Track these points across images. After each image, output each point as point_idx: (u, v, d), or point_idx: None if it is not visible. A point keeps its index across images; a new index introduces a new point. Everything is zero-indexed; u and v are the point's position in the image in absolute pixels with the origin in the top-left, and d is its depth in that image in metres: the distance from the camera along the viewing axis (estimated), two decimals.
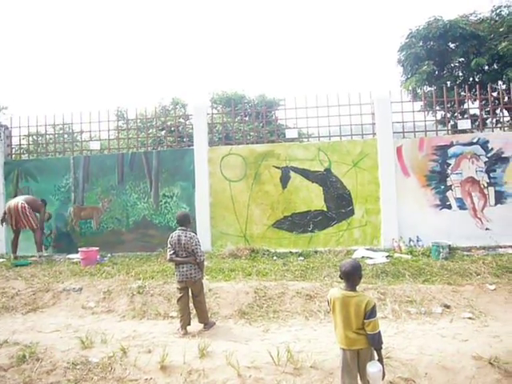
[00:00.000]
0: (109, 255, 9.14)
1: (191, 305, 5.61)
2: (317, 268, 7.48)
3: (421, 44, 15.92)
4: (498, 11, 16.27)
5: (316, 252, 8.53)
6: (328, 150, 8.93)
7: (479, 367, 4.34)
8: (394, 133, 8.90)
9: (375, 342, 3.43)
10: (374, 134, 9.01)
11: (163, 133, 12.21)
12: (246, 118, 12.51)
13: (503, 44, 14.79)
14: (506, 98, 10.37)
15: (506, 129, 9.65)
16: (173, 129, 10.74)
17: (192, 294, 5.55)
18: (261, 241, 9.01)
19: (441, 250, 7.69)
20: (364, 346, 3.46)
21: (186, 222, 5.57)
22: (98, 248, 8.66)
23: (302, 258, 8.22)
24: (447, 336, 5.08)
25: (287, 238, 8.97)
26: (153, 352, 4.85)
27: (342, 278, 3.57)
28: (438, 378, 4.22)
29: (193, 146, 9.52)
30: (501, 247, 8.17)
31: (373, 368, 3.39)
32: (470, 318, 5.68)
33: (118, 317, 6.25)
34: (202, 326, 5.59)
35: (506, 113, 12.04)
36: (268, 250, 8.70)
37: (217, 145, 9.92)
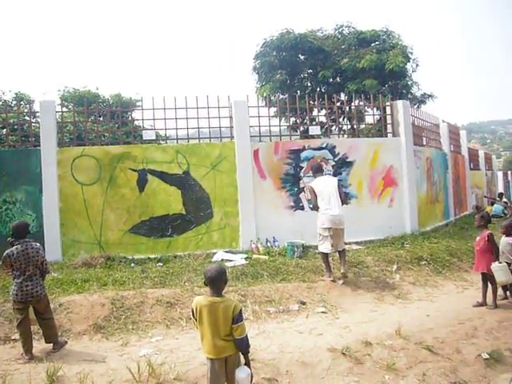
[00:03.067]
0: None
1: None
2: (177, 273, 7.22)
3: (274, 53, 16.68)
4: (340, 30, 17.86)
5: (175, 257, 8.26)
6: (186, 153, 8.73)
7: (334, 358, 4.57)
8: (250, 136, 9.08)
9: (243, 346, 3.35)
10: (232, 137, 9.09)
11: (4, 131, 10.70)
12: (101, 118, 11.68)
13: (344, 60, 16.27)
14: (347, 108, 11.40)
15: (349, 136, 10.57)
16: (16, 127, 9.45)
17: (37, 312, 4.86)
18: (117, 247, 8.41)
19: (295, 249, 8.05)
20: (232, 352, 3.34)
21: (27, 232, 4.89)
22: None
23: (162, 264, 7.89)
24: (304, 332, 5.27)
25: (145, 243, 8.52)
26: None
27: (206, 285, 3.40)
28: (298, 373, 4.32)
29: (39, 146, 8.49)
30: (346, 243, 8.80)
31: (242, 373, 3.30)
32: (323, 312, 6.02)
33: None
34: (51, 346, 4.92)
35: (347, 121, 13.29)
36: (125, 257, 8.17)
37: (68, 146, 9.01)
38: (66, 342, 5.06)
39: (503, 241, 6.31)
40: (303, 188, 9.14)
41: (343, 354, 4.61)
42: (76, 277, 6.96)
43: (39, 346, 4.94)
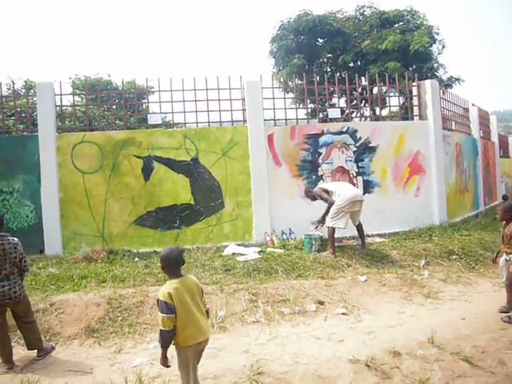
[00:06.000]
0: None
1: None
2: (183, 269, 6.60)
3: (292, 37, 16.00)
4: (361, 11, 17.04)
5: (183, 250, 7.63)
6: (195, 138, 8.09)
7: (356, 372, 3.92)
8: (265, 120, 8.41)
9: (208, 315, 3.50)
10: (245, 121, 8.42)
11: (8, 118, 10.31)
12: (114, 107, 11.15)
13: (366, 42, 15.48)
14: (369, 93, 10.65)
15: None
16: (24, 114, 9.01)
17: (16, 316, 4.32)
18: (121, 240, 7.86)
19: (313, 242, 7.39)
20: None
21: (1, 225, 4.35)
22: None
23: None
24: (322, 337, 4.62)
25: (151, 235, 7.95)
26: None
27: (165, 268, 3.34)
28: None
29: (37, 132, 7.98)
30: (369, 236, 8.17)
31: None
32: (343, 314, 5.38)
33: None
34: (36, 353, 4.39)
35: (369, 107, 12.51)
36: (129, 251, 7.61)
37: (68, 131, 8.48)
38: (54, 348, 4.51)
39: None
40: (322, 176, 8.45)
41: (367, 366, 3.94)
42: (74, 272, 6.42)
43: (23, 352, 4.40)
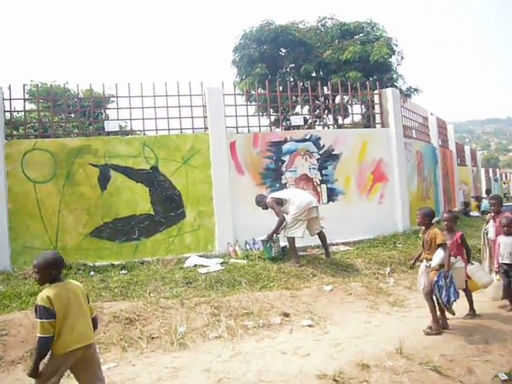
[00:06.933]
0: None
1: None
2: (142, 282, 6.29)
3: (254, 46, 15.95)
4: (323, 22, 17.23)
5: (143, 263, 7.31)
6: (154, 146, 7.78)
7: None
8: (227, 127, 8.21)
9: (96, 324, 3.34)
10: (206, 128, 8.19)
11: None
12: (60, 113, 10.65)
13: (328, 52, 15.64)
14: (331, 102, 10.68)
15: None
16: None
17: None
18: (76, 253, 7.41)
19: (272, 244, 7.17)
20: None
21: None
22: None
23: (126, 271, 6.94)
24: (288, 352, 4.40)
25: (108, 248, 7.55)
26: None
27: (45, 275, 3.07)
28: None
29: None
30: (334, 244, 8.07)
31: None
32: (309, 326, 5.18)
33: None
34: None
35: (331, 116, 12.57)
36: (85, 264, 7.18)
37: (18, 138, 7.99)
38: None
39: (506, 241, 5.54)
40: (285, 184, 8.31)
41: (335, 380, 3.75)
42: (22, 289, 5.95)
43: None
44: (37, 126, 9.14)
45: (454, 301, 4.68)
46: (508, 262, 5.49)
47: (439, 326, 4.85)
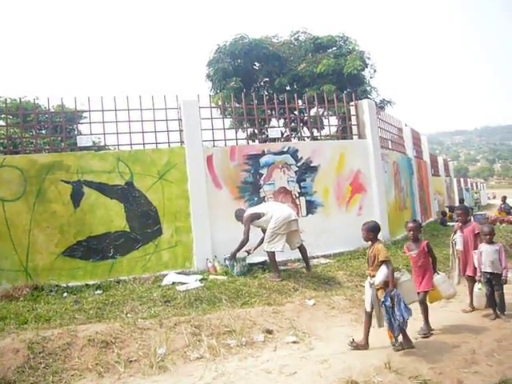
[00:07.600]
0: None
1: None
2: (118, 302, 6.05)
3: (228, 60, 15.91)
4: (296, 36, 17.37)
5: (118, 282, 7.04)
6: (129, 161, 7.58)
7: None
8: (203, 141, 8.07)
9: None
10: (182, 142, 8.03)
11: None
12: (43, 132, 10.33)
13: (301, 65, 15.71)
14: (307, 115, 10.69)
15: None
16: None
17: None
18: (48, 274, 7.09)
19: (234, 263, 7.10)
20: None
21: None
22: None
23: (101, 292, 6.67)
24: (273, 371, 4.23)
25: (82, 267, 7.25)
26: None
27: None
28: None
29: None
30: (314, 257, 7.98)
31: None
32: (294, 342, 5.03)
33: None
34: None
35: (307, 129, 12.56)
36: (57, 285, 6.90)
37: None
38: None
39: (487, 250, 5.55)
40: (264, 197, 8.20)
41: None
42: None
43: None
44: (5, 143, 8.84)
45: (407, 319, 4.47)
46: (490, 271, 5.48)
47: (365, 341, 4.71)
